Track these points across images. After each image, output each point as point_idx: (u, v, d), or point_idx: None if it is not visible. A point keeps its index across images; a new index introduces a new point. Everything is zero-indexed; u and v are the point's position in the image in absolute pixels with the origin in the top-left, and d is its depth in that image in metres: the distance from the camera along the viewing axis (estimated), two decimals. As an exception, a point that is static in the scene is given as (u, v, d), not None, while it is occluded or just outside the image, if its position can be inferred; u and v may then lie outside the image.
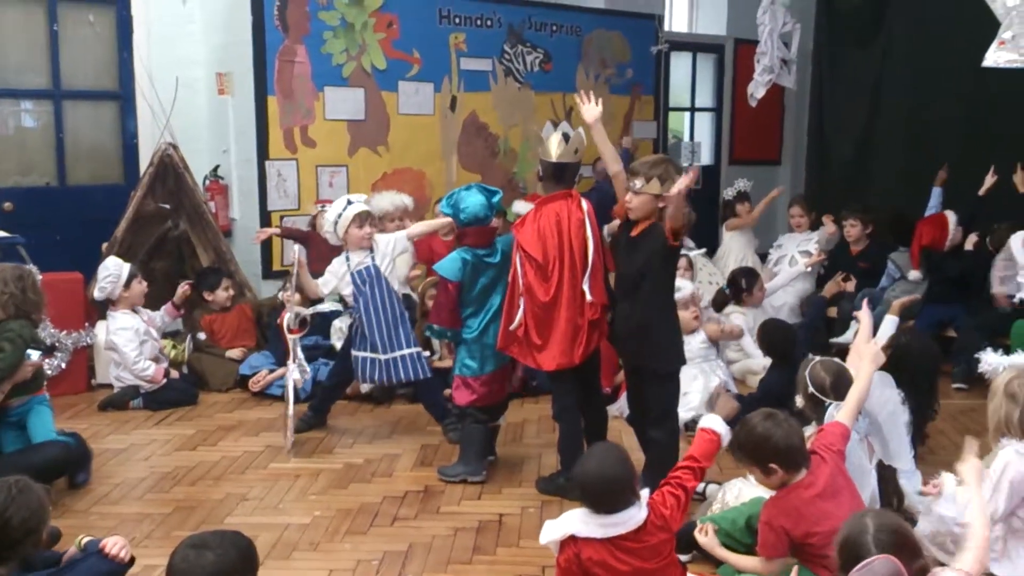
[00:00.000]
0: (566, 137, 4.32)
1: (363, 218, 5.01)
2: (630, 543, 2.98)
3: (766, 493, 3.63)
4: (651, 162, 4.06)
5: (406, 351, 4.95)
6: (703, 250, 7.38)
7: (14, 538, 2.76)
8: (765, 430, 3.18)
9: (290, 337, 4.96)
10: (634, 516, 2.98)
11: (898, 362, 4.08)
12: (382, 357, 4.95)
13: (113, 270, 5.73)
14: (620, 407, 4.86)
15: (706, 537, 3.50)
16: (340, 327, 5.97)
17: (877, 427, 3.85)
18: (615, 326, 4.22)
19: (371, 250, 5.02)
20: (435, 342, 5.95)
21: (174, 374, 5.93)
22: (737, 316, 6.37)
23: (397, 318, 4.95)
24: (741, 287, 6.49)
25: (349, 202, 5.05)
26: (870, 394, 3.72)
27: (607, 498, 2.98)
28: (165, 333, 6.31)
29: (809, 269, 7.08)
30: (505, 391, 4.77)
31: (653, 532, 3.01)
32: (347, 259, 5.02)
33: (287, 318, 4.98)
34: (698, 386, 5.33)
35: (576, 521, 3.01)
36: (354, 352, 5.02)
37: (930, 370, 4.52)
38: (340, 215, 4.98)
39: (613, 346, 4.43)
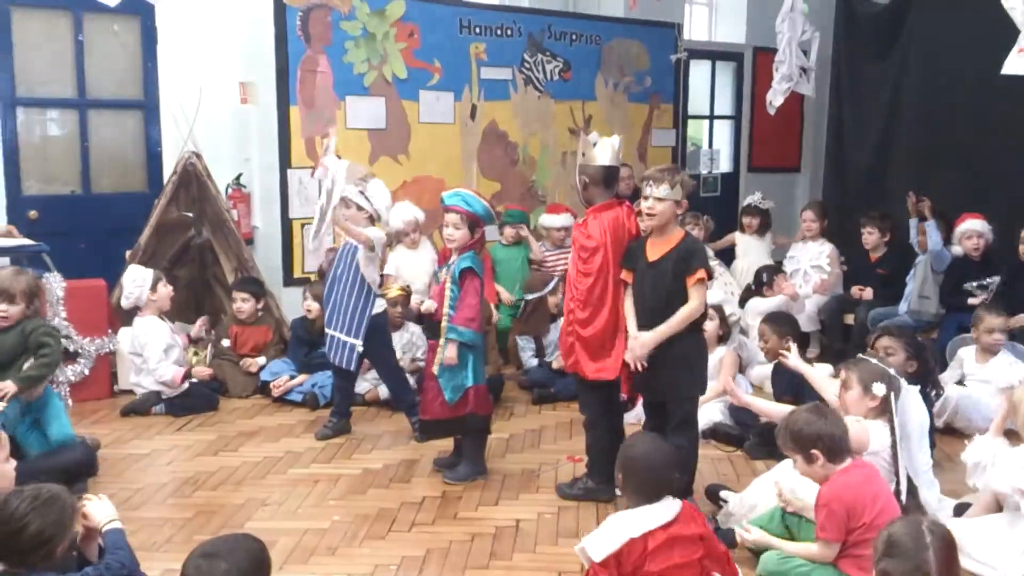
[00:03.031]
0: (606, 143, 4.29)
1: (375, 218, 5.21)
2: (672, 534, 3.06)
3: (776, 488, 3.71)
4: (667, 168, 4.07)
5: (343, 337, 5.12)
6: (717, 261, 7.36)
7: (23, 547, 2.67)
8: (809, 419, 3.35)
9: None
10: (671, 506, 3.12)
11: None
12: (328, 331, 5.19)
13: (138, 276, 5.81)
14: (638, 415, 4.86)
15: (750, 535, 3.61)
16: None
17: (908, 443, 3.85)
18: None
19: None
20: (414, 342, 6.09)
21: (205, 372, 6.00)
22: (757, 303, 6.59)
23: (350, 304, 5.09)
24: (762, 281, 6.78)
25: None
26: (905, 410, 3.76)
27: (652, 484, 3.13)
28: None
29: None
30: None
31: (687, 521, 3.11)
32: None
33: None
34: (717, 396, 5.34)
35: (627, 524, 3.09)
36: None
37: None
38: (388, 206, 5.29)
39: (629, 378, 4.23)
